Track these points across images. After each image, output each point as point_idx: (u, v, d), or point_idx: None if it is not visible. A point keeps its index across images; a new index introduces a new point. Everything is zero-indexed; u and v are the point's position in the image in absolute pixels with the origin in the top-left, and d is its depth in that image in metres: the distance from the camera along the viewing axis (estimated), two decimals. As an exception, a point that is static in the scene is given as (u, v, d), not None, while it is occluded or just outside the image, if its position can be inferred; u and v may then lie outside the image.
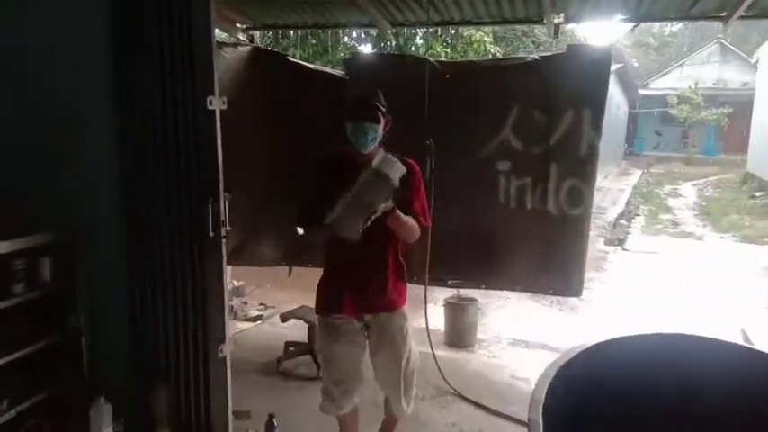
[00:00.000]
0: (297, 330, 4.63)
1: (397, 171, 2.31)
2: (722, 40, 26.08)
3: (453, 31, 8.54)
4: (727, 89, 24.65)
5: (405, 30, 8.69)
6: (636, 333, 1.68)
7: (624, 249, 9.00)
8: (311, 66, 4.84)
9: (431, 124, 4.05)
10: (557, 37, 4.35)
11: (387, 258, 2.62)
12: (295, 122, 4.44)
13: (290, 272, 4.85)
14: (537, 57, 4.13)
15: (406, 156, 2.56)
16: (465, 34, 8.76)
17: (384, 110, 2.54)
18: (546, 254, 4.21)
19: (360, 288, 2.60)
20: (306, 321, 4.20)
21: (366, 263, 2.57)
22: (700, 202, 14.37)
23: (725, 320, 5.99)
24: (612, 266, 7.96)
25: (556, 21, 4.13)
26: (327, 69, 5.01)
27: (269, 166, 4.48)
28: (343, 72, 4.46)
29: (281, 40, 8.53)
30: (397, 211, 2.41)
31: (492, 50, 9.03)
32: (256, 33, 5.27)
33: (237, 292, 5.73)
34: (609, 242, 8.97)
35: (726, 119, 22.79)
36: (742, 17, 3.62)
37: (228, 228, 2.77)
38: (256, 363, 4.30)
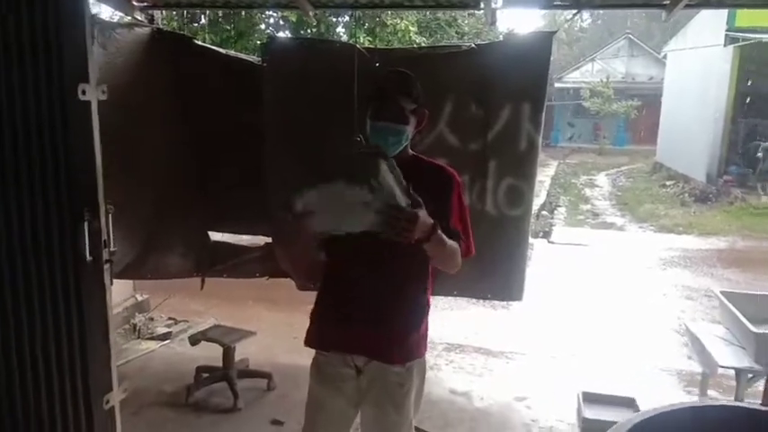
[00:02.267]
0: (211, 351, 4.07)
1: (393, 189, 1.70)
2: (630, 36, 27.23)
3: (377, 19, 8.14)
4: (635, 83, 25.76)
5: (327, 16, 8.20)
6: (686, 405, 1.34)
7: (551, 242, 8.98)
8: (223, 50, 4.29)
9: (360, 118, 3.61)
10: (494, 24, 4.03)
11: (406, 287, 1.99)
12: (203, 115, 3.90)
13: (202, 284, 4.32)
14: (473, 45, 3.80)
15: (441, 161, 2.13)
16: (389, 23, 8.38)
17: (416, 104, 1.93)
18: (485, 257, 3.85)
19: (358, 323, 1.97)
20: (221, 344, 3.67)
21: (374, 292, 1.95)
22: (615, 192, 14.78)
23: (660, 314, 6.02)
24: (543, 260, 7.86)
25: (494, 6, 3.79)
26: (242, 55, 4.46)
27: (173, 166, 3.92)
28: (259, 58, 3.94)
29: (187, 24, 7.81)
30: (440, 233, 1.79)
31: (417, 40, 8.70)
32: (157, 13, 4.62)
33: (141, 306, 5.09)
34: (534, 234, 8.91)
35: (634, 111, 23.78)
36: (687, 6, 3.41)
37: (114, 248, 2.22)
38: (162, 393, 3.75)
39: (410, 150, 2.04)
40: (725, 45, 12.94)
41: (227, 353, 3.66)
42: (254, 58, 4.02)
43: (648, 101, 23.44)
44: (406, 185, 1.71)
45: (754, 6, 6.13)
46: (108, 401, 2.30)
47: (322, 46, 4.17)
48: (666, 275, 7.52)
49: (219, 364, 3.77)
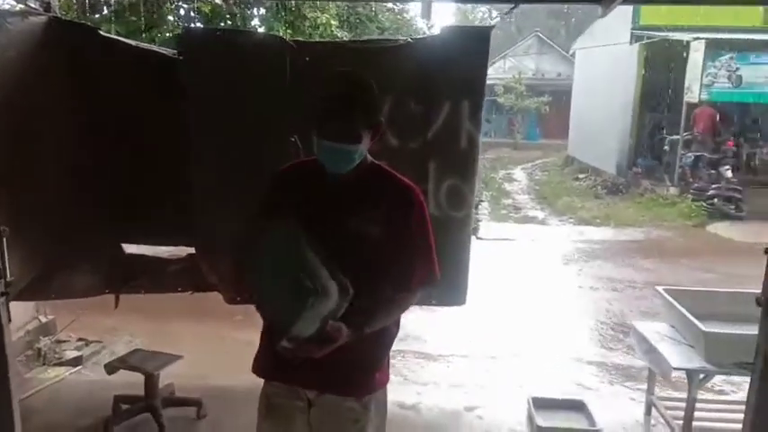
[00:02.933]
0: (130, 376, 3.63)
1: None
2: (539, 34, 28.18)
3: (297, 11, 7.80)
4: (545, 79, 26.70)
5: (242, 8, 7.77)
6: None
7: (479, 238, 9.00)
8: (132, 42, 3.85)
9: (292, 118, 3.34)
10: (429, 18, 3.85)
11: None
12: (112, 116, 3.47)
13: (116, 302, 3.86)
14: (409, 39, 3.61)
15: (399, 172, 1.88)
16: (309, 16, 8.05)
17: (373, 118, 1.74)
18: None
19: (300, 344, 1.70)
20: (142, 372, 3.28)
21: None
22: (533, 186, 15.18)
23: (590, 307, 6.12)
24: (474, 257, 7.83)
25: (430, -2, 3.61)
26: (154, 47, 4.03)
27: (78, 172, 3.46)
28: (174, 51, 3.56)
29: (88, 15, 7.15)
30: (366, 330, 1.69)
31: (339, 35, 8.42)
32: (54, 1, 4.10)
33: (46, 328, 4.55)
34: (461, 231, 8.85)
35: (545, 106, 24.62)
36: (624, 1, 3.38)
37: (11, 278, 1.84)
38: (78, 428, 3.31)
39: (369, 159, 1.82)
40: (631, 43, 13.51)
41: (150, 381, 3.28)
42: (168, 51, 3.63)
43: (558, 96, 24.32)
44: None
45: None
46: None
47: (245, 38, 3.82)
48: (591, 268, 7.71)
49: (141, 391, 3.37)
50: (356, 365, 1.76)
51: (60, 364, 4.26)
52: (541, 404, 3.50)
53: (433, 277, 1.84)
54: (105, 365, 3.36)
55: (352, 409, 1.80)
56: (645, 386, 4.27)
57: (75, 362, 4.31)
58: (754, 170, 12.46)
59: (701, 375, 2.95)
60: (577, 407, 3.52)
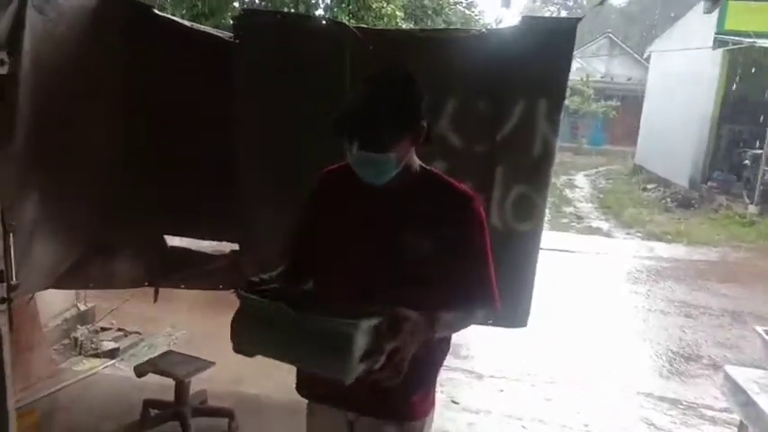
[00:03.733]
0: (164, 377, 3.42)
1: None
2: (611, 35, 27.05)
3: (361, 1, 7.52)
4: (614, 83, 25.63)
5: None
6: None
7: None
8: (186, 23, 3.63)
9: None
10: (509, 6, 3.47)
11: None
12: (161, 100, 3.27)
13: (155, 296, 3.68)
14: (484, 29, 3.25)
15: (456, 178, 1.65)
16: (374, 6, 7.75)
17: (411, 122, 1.50)
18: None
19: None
20: (172, 377, 3.05)
21: None
22: (596, 194, 14.44)
23: (662, 334, 5.59)
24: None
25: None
26: (210, 29, 3.80)
27: (122, 156, 3.27)
28: (231, 34, 3.31)
29: (151, -3, 7.05)
30: (438, 326, 1.47)
31: (404, 27, 8.10)
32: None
33: (84, 317, 4.42)
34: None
35: (613, 111, 23.61)
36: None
37: (15, 281, 1.60)
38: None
39: (417, 163, 1.61)
40: (714, 48, 12.63)
41: (180, 387, 3.05)
42: (224, 33, 3.38)
43: (626, 101, 23.30)
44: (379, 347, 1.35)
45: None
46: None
47: (307, 22, 3.57)
48: (661, 289, 7.12)
49: (172, 395, 3.15)
50: (397, 388, 1.47)
51: (96, 356, 4.12)
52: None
53: (495, 303, 1.64)
54: (135, 368, 3.15)
55: None
56: (723, 429, 3.84)
57: (112, 354, 4.17)
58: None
59: (813, 441, 2.48)
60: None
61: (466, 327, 1.64)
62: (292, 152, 3.20)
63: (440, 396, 3.84)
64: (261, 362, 4.46)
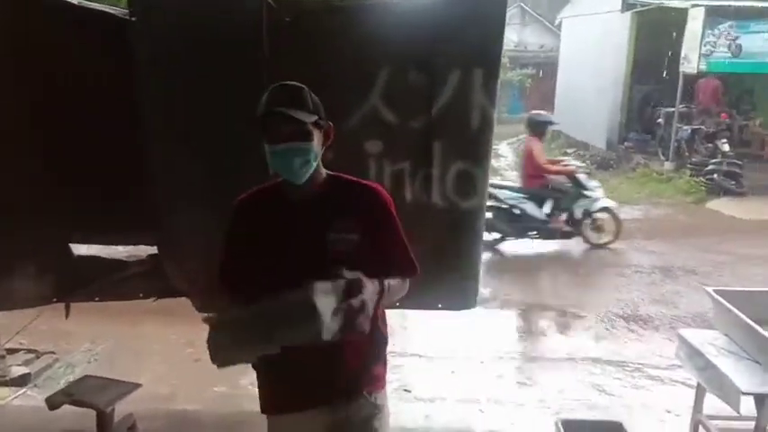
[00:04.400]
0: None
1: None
2: (522, 4, 27.44)
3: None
4: (528, 51, 26.08)
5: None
6: None
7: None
8: (75, 1, 3.17)
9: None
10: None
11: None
12: (53, 91, 2.86)
13: (66, 312, 3.31)
14: (412, -4, 3.01)
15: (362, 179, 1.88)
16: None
17: (317, 115, 1.71)
18: (432, 259, 3.15)
19: (311, 369, 1.72)
20: (92, 408, 2.68)
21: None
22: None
23: (598, 297, 5.64)
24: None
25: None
26: (104, 7, 3.34)
27: (10, 157, 2.85)
28: (126, 11, 2.91)
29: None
30: (385, 289, 1.70)
31: None
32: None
33: (-13, 343, 3.91)
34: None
35: (528, 79, 24.06)
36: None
37: None
38: (14, 477, 2.72)
39: (323, 171, 1.81)
40: (622, 11, 12.93)
41: (103, 419, 2.69)
42: (118, 11, 2.97)
43: (541, 69, 23.76)
44: (342, 294, 1.58)
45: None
46: None
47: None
48: (591, 251, 7.20)
49: (93, 425, 2.78)
50: (361, 369, 1.82)
51: (4, 384, 3.64)
52: (572, 427, 2.99)
53: (416, 271, 1.89)
54: (47, 399, 2.75)
55: (365, 409, 1.83)
56: (676, 391, 3.87)
57: (23, 380, 3.72)
58: (747, 143, 12.11)
59: (775, 400, 2.45)
60: (614, 430, 3.02)
61: (402, 293, 1.85)
62: (212, 139, 2.88)
63: (392, 384, 3.68)
64: (197, 370, 4.14)
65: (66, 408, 2.87)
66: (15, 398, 3.51)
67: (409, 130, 3.04)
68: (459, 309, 3.42)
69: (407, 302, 3.28)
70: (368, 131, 3.02)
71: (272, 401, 1.85)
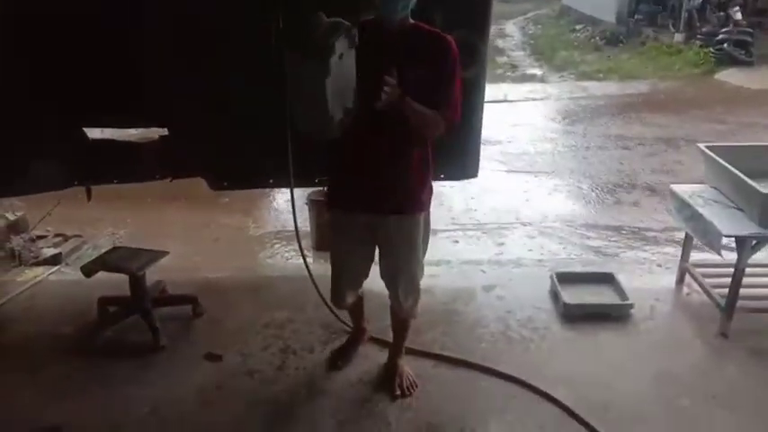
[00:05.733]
0: (115, 275, 3.24)
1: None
2: None
3: None
4: None
5: None
6: None
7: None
8: None
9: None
10: None
11: (408, 151, 2.26)
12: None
13: (88, 195, 3.46)
14: None
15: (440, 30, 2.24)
16: None
17: None
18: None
19: (367, 184, 2.28)
20: (125, 272, 2.92)
21: (379, 155, 2.23)
22: (528, 41, 14.27)
23: (603, 167, 5.76)
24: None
25: None
26: None
27: (25, 49, 2.88)
28: None
29: None
30: (409, 103, 2.07)
31: None
32: None
33: (17, 226, 4.13)
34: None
35: (536, -49, 22.70)
36: None
37: None
38: (62, 337, 3.00)
39: (410, 19, 2.18)
40: None
41: (136, 282, 2.93)
42: None
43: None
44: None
45: None
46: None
47: None
48: (597, 126, 7.25)
49: (127, 291, 3.03)
50: (409, 192, 2.30)
51: (38, 264, 3.89)
52: (566, 279, 3.23)
53: (456, 117, 2.26)
54: (82, 268, 2.98)
55: (408, 226, 2.34)
56: (668, 250, 4.09)
57: (55, 260, 3.94)
58: (761, 12, 11.65)
59: (753, 242, 2.63)
60: (605, 279, 3.25)
61: (433, 125, 2.18)
62: (214, 22, 2.90)
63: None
64: (216, 248, 4.37)
65: (101, 279, 3.11)
66: (50, 274, 3.77)
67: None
68: (461, 178, 3.56)
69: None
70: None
71: (335, 200, 2.43)
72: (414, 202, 2.32)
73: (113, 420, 2.45)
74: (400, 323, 2.63)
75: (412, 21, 2.19)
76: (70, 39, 2.91)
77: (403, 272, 2.42)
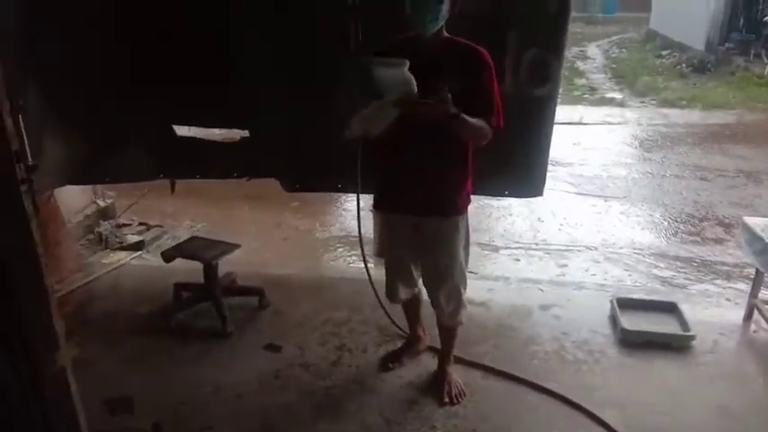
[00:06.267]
0: (191, 263, 3.46)
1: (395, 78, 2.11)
2: None
3: None
4: (628, -57, 23.86)
5: None
6: None
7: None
8: None
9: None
10: None
11: (449, 157, 2.36)
12: None
13: (172, 188, 3.74)
14: None
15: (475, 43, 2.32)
16: None
17: None
18: (501, 147, 3.30)
19: (411, 186, 2.39)
20: (200, 260, 3.13)
21: (423, 159, 2.33)
22: (609, 64, 13.95)
23: (678, 198, 5.61)
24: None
25: None
26: None
27: (124, 49, 3.14)
28: None
29: None
30: (462, 117, 2.14)
31: None
32: None
33: (105, 213, 4.48)
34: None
35: (626, -25, 22.20)
36: None
37: (32, 162, 1.60)
38: (138, 317, 3.26)
39: (445, 33, 2.28)
40: None
41: (209, 270, 3.14)
42: None
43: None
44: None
45: None
46: (57, 361, 1.76)
47: None
48: (676, 154, 7.03)
49: (201, 279, 3.25)
50: (446, 195, 2.41)
51: (122, 249, 4.21)
52: (627, 305, 3.19)
53: (500, 125, 2.32)
54: (162, 253, 3.22)
55: (447, 228, 2.44)
56: (739, 286, 3.93)
57: (137, 246, 4.26)
58: None
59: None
60: (668, 309, 3.19)
61: (482, 134, 2.27)
62: (295, 36, 3.08)
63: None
64: (285, 247, 4.58)
65: (178, 266, 3.33)
66: (132, 259, 4.07)
67: (483, 15, 3.09)
68: (526, 196, 3.57)
69: (477, 188, 3.52)
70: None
71: (380, 202, 2.56)
72: (453, 206, 2.42)
73: (179, 397, 2.63)
74: (445, 330, 2.70)
75: (446, 35, 2.28)
76: (175, 40, 3.17)
77: (443, 275, 2.51)
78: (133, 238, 4.36)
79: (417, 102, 2.10)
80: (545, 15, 3.01)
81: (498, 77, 3.13)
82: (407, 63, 2.08)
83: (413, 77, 2.09)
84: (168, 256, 3.16)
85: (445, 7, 2.18)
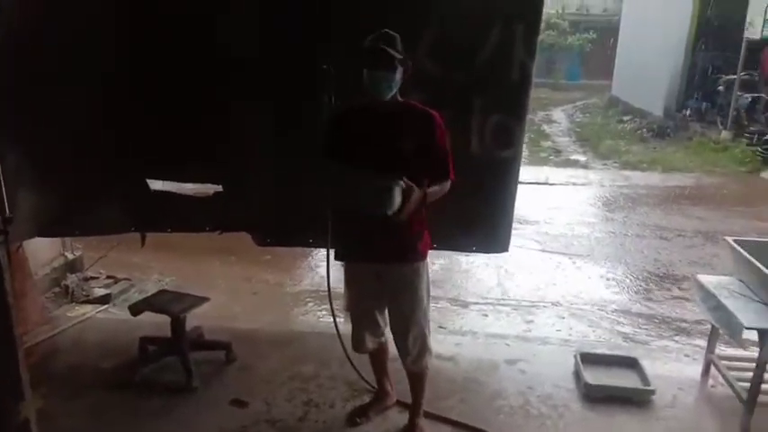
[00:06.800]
0: (158, 316, 3.45)
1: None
2: (585, -34, 26.49)
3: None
4: (590, 14, 25.29)
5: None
6: None
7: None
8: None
9: (323, 43, 3.05)
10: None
11: None
12: (139, 42, 3.18)
13: (142, 241, 3.73)
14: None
15: (427, 106, 2.52)
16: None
17: (401, 56, 2.37)
18: (468, 205, 3.44)
19: (372, 235, 2.48)
20: (168, 314, 3.13)
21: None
22: (574, 128, 14.51)
23: (638, 257, 5.79)
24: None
25: None
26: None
27: (100, 105, 3.22)
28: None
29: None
30: (429, 194, 2.40)
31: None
32: None
33: (73, 265, 4.44)
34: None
35: (589, 44, 23.41)
36: None
37: (9, 214, 1.64)
38: (102, 371, 3.21)
39: (399, 97, 2.46)
40: (688, -26, 12.53)
41: (177, 324, 3.13)
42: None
43: (603, 34, 23.04)
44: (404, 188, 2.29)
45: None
46: (20, 412, 1.76)
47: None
48: (637, 215, 7.31)
49: (167, 332, 3.23)
50: (407, 242, 2.52)
51: (88, 302, 4.17)
52: (590, 360, 3.27)
53: (449, 177, 2.51)
54: (129, 307, 3.21)
55: (408, 274, 2.55)
56: (698, 342, 4.05)
57: (104, 300, 4.23)
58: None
59: (777, 337, 2.65)
60: (629, 364, 3.27)
61: (443, 192, 2.47)
62: (268, 88, 3.20)
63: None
64: (254, 301, 4.58)
65: (144, 320, 3.33)
66: (98, 312, 4.02)
67: (452, 83, 3.27)
68: (493, 251, 3.68)
69: (445, 244, 3.63)
70: (413, 84, 3.27)
71: (342, 252, 2.67)
72: (413, 252, 2.53)
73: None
74: (414, 378, 2.75)
75: (401, 99, 2.46)
76: (150, 96, 3.26)
77: (408, 320, 2.58)
78: (100, 292, 4.32)
79: (401, 209, 2.28)
80: (508, 84, 3.20)
81: (465, 140, 3.38)
82: (401, 184, 2.25)
83: (400, 192, 2.25)
84: (136, 309, 3.15)
85: (399, 75, 2.36)
